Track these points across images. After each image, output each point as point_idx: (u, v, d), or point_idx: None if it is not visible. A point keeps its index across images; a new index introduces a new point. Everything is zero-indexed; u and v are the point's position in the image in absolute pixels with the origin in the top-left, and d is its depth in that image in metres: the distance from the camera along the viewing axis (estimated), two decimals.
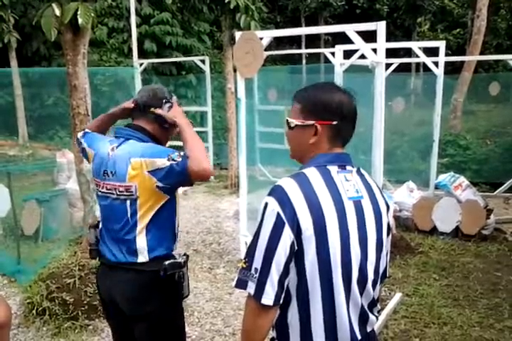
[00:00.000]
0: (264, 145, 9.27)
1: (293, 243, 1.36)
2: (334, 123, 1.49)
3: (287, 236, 1.35)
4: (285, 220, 1.36)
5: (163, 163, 1.97)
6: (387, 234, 1.58)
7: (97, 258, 2.26)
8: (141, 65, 9.28)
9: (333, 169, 1.49)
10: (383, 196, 1.60)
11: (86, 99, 4.39)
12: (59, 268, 4.00)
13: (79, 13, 4.09)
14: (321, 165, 1.49)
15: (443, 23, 25.35)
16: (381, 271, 1.57)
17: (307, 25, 21.94)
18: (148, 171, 1.98)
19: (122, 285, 2.09)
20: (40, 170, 8.52)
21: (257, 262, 1.38)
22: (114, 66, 13.93)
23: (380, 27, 3.96)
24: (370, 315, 1.52)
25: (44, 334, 3.68)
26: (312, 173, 1.47)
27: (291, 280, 1.41)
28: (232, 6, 8.88)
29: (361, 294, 1.46)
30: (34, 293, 3.86)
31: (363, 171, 1.59)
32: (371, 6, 24.37)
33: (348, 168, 1.53)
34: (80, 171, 4.53)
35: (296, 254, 1.38)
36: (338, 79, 6.55)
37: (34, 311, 3.78)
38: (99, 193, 2.17)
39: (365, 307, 1.49)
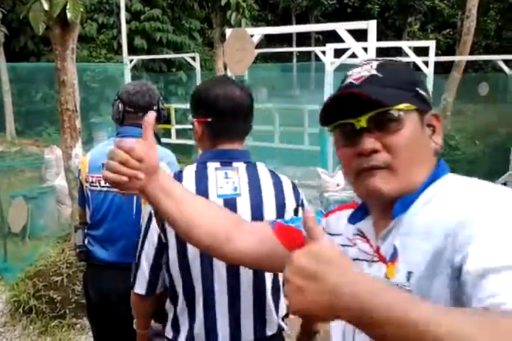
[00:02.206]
0: (254, 143, 9.26)
1: (159, 235, 1.43)
2: (209, 120, 1.46)
3: (154, 228, 1.43)
4: (153, 214, 1.43)
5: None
6: None
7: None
8: (131, 61, 9.22)
9: (213, 165, 1.46)
10: (283, 194, 1.48)
11: (74, 94, 4.34)
12: (46, 266, 3.96)
13: (68, 7, 4.04)
14: (202, 162, 1.49)
15: (433, 23, 25.54)
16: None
17: (298, 23, 21.96)
18: None
19: (120, 285, 2.01)
20: (27, 166, 8.44)
21: (136, 254, 1.49)
22: (104, 62, 13.82)
23: (371, 26, 3.96)
24: (269, 318, 1.48)
25: (31, 332, 3.64)
26: (189, 170, 1.48)
27: (174, 271, 1.44)
28: (223, 3, 8.89)
29: (236, 296, 1.43)
30: (21, 291, 3.82)
31: (260, 167, 1.52)
32: (362, 5, 24.50)
33: (235, 164, 1.47)
34: (68, 168, 4.48)
35: (166, 246, 1.43)
36: (329, 78, 6.55)
37: (21, 309, 3.74)
38: (99, 189, 2.12)
39: (248, 310, 1.45)
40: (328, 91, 6.75)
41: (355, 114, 0.89)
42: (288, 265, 0.72)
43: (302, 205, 1.51)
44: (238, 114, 1.47)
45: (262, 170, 1.51)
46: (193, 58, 9.61)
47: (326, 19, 23.11)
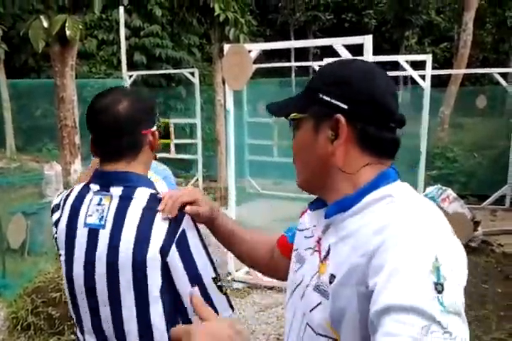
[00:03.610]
0: (254, 157, 9.29)
1: None
2: (91, 137, 1.35)
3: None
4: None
5: None
6: (132, 273, 1.27)
7: None
8: (130, 76, 9.27)
9: (94, 188, 1.33)
10: (150, 230, 1.25)
11: (73, 110, 4.38)
12: (45, 282, 3.95)
13: (67, 25, 4.10)
14: (87, 183, 1.36)
15: (430, 36, 25.75)
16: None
17: (296, 38, 22.14)
18: None
19: None
20: (27, 182, 8.45)
21: None
22: (104, 78, 13.92)
23: (367, 41, 4.00)
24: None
25: None
26: (75, 190, 1.39)
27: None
28: (221, 19, 8.98)
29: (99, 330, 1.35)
30: (19, 308, 3.81)
31: (139, 195, 1.29)
32: (359, 19, 24.73)
33: (113, 189, 1.30)
34: (67, 183, 4.49)
35: None
36: None
37: (19, 326, 3.72)
38: None
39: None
40: None
41: None
42: None
43: (180, 242, 1.27)
44: (110, 130, 1.31)
45: (139, 199, 1.29)
46: (192, 73, 9.67)
47: (323, 34, 23.33)
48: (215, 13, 8.94)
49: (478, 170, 9.35)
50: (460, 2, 18.04)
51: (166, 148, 9.90)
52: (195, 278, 1.28)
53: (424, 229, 0.84)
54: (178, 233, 1.26)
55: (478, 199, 8.29)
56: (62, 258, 1.37)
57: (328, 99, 0.95)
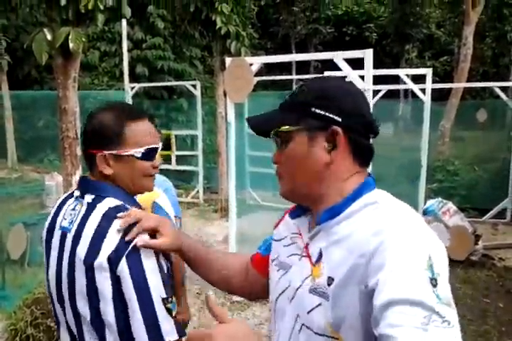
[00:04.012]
0: (254, 169, 9.29)
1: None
2: None
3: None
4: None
5: None
6: (85, 276, 1.29)
7: None
8: (132, 88, 9.34)
9: (76, 194, 1.44)
10: (103, 239, 1.28)
11: (75, 122, 4.40)
12: (44, 294, 3.92)
13: (70, 37, 4.14)
14: (75, 189, 1.48)
15: (430, 50, 25.91)
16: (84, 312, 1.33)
17: (297, 51, 22.30)
18: None
19: None
20: (28, 193, 8.46)
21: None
22: (106, 89, 13.99)
23: (367, 55, 4.04)
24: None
25: None
26: (63, 196, 1.52)
27: None
28: (223, 32, 9.04)
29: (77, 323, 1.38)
30: (18, 320, 3.78)
31: (102, 205, 1.35)
32: (360, 33, 24.92)
33: (87, 197, 1.39)
34: None
35: None
36: None
37: (18, 338, 3.69)
38: None
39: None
40: None
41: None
42: None
43: (131, 255, 1.26)
44: (83, 142, 1.47)
45: (102, 207, 1.35)
46: (194, 86, 9.74)
47: (324, 47, 23.50)
48: (217, 26, 9.01)
49: (479, 183, 9.35)
50: (460, 16, 18.21)
51: (167, 159, 9.93)
52: (144, 296, 1.26)
53: (417, 231, 0.94)
54: (130, 246, 1.28)
55: (479, 212, 8.28)
56: (44, 259, 1.47)
57: (322, 112, 1.03)
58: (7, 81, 13.62)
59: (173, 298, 1.32)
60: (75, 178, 4.24)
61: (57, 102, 4.51)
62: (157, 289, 1.27)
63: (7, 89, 13.56)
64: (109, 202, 1.37)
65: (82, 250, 1.30)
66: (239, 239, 5.10)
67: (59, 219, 1.42)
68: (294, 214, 1.17)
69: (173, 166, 9.90)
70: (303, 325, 1.03)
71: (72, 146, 4.33)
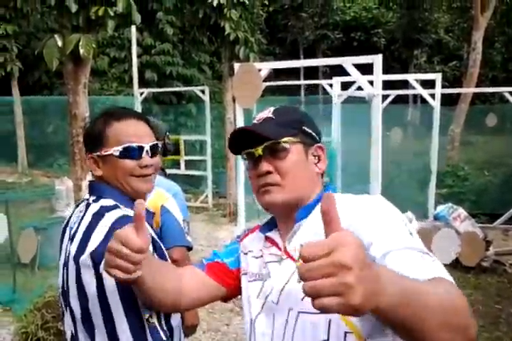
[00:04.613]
0: None
1: None
2: None
3: None
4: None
5: None
6: (75, 271, 1.31)
7: None
8: (141, 94, 9.39)
9: (86, 197, 1.49)
10: (90, 237, 1.30)
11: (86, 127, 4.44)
12: (55, 297, 3.94)
13: (80, 44, 4.18)
14: None
15: (439, 55, 25.85)
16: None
17: (305, 56, 22.34)
18: None
19: None
20: (38, 197, 8.51)
21: None
22: (115, 95, 14.08)
23: (377, 60, 4.04)
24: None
25: None
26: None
27: None
28: (231, 38, 9.08)
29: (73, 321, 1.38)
30: (29, 323, 3.80)
31: (94, 205, 1.39)
32: (368, 38, 24.92)
33: (90, 198, 1.44)
34: (78, 199, 4.52)
35: None
36: (336, 110, 6.63)
37: None
38: None
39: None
40: (336, 122, 6.82)
41: (255, 145, 1.17)
42: (342, 255, 0.66)
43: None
44: None
45: (95, 206, 1.38)
46: (203, 91, 9.77)
47: (332, 52, 23.51)
48: (226, 32, 9.06)
49: (489, 188, 9.30)
50: (469, 21, 18.18)
51: (176, 164, 9.96)
52: (128, 298, 1.24)
53: (378, 202, 1.11)
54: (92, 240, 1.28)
55: (490, 218, 8.21)
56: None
57: (309, 130, 1.22)
58: (18, 87, 13.76)
59: None
60: (85, 183, 4.27)
61: (67, 108, 4.55)
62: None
63: (18, 94, 13.68)
64: (103, 202, 1.39)
65: (73, 248, 1.33)
66: None
67: (71, 220, 1.45)
68: (266, 229, 1.27)
69: (182, 171, 9.92)
70: (299, 312, 1.07)
71: (82, 151, 4.36)
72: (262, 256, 1.24)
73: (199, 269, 1.32)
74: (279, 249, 1.19)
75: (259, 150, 1.16)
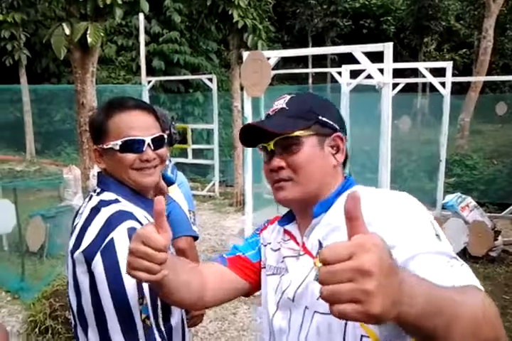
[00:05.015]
0: None
1: None
2: None
3: None
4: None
5: None
6: (72, 264, 1.30)
7: None
8: (149, 82, 9.36)
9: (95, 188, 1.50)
10: (86, 229, 1.29)
11: None
12: (63, 286, 3.97)
13: (88, 32, 4.15)
14: None
15: (449, 43, 25.54)
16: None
17: (314, 44, 22.15)
18: None
19: None
20: (46, 185, 8.55)
21: None
22: (123, 83, 14.06)
23: (388, 48, 3.98)
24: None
25: None
26: None
27: None
28: (240, 26, 9.01)
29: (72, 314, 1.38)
30: (37, 311, 3.84)
31: (95, 198, 1.37)
32: (378, 26, 24.64)
33: (96, 190, 1.42)
34: (86, 188, 4.54)
35: None
36: (345, 99, 6.57)
37: (37, 329, 3.75)
38: None
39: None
40: (345, 111, 6.77)
41: (267, 139, 1.14)
42: (364, 260, 0.63)
43: (105, 252, 1.22)
44: None
45: (93, 201, 1.36)
46: (210, 79, 9.73)
47: (341, 40, 23.29)
48: (234, 20, 8.98)
49: (497, 177, 9.22)
50: (480, 9, 17.92)
51: (184, 153, 9.96)
52: (119, 297, 1.20)
53: (405, 201, 1.04)
54: (106, 241, 1.23)
55: (498, 207, 8.17)
56: None
57: (326, 120, 1.14)
58: (26, 75, 13.76)
59: (145, 300, 1.23)
60: (93, 172, 4.28)
61: (75, 96, 4.54)
62: (132, 289, 1.21)
63: (26, 83, 13.69)
64: (103, 196, 1.36)
65: (71, 242, 1.31)
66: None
67: (79, 211, 1.42)
68: (284, 221, 1.23)
69: (190, 160, 9.92)
70: (315, 312, 1.04)
71: (90, 140, 4.36)
72: (279, 249, 1.21)
73: (221, 264, 1.28)
74: (297, 243, 1.16)
75: (271, 145, 1.13)
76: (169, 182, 1.60)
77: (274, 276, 1.20)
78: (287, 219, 1.23)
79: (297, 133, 1.11)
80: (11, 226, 5.16)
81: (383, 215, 0.97)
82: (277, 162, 1.13)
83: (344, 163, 1.19)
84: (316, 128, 1.13)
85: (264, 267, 1.25)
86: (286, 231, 1.21)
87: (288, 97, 1.18)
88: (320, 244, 1.08)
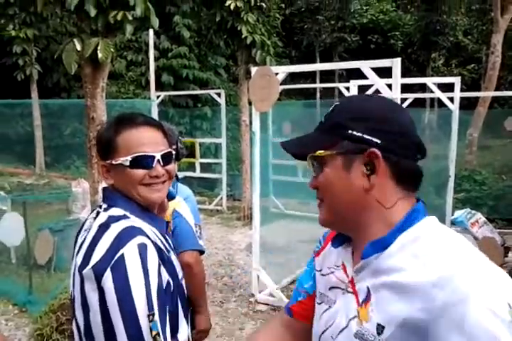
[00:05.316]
0: (278, 177, 9.28)
1: None
2: None
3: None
4: None
5: None
6: (80, 282, 1.29)
7: None
8: (158, 97, 9.44)
9: (101, 203, 1.49)
10: (94, 248, 1.28)
11: None
12: (70, 300, 3.97)
13: (99, 48, 4.21)
14: None
15: (457, 58, 25.58)
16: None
17: (322, 59, 22.26)
18: None
19: None
20: (55, 199, 8.59)
21: None
22: (132, 98, 14.19)
23: (395, 64, 4.01)
24: None
25: None
26: None
27: None
28: (248, 42, 9.09)
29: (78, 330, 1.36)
30: (44, 325, 3.84)
31: (103, 215, 1.36)
32: (385, 41, 24.77)
33: (102, 206, 1.41)
34: (94, 202, 4.56)
35: None
36: None
37: None
38: None
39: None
40: None
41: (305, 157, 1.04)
42: None
43: (115, 267, 1.23)
44: None
45: (101, 218, 1.35)
46: (219, 94, 9.80)
47: (349, 55, 23.41)
48: (243, 36, 9.07)
49: (507, 193, 9.15)
50: (488, 24, 17.98)
51: (192, 167, 9.99)
52: (128, 313, 1.20)
53: (487, 277, 0.83)
54: (116, 257, 1.22)
55: (508, 223, 8.09)
56: None
57: (359, 134, 0.95)
58: (37, 90, 13.93)
59: (155, 316, 1.23)
60: (102, 186, 4.30)
61: (84, 111, 4.59)
62: (142, 305, 1.21)
63: (37, 97, 13.86)
64: (111, 212, 1.36)
65: (79, 259, 1.30)
66: (262, 247, 5.08)
67: (84, 226, 1.42)
68: (337, 242, 1.09)
69: (197, 174, 9.95)
70: None
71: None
72: (329, 275, 1.10)
73: (287, 315, 1.25)
74: (347, 275, 1.03)
75: (309, 163, 1.04)
76: (170, 197, 1.61)
77: (322, 305, 1.11)
78: (341, 238, 1.09)
79: (319, 153, 0.99)
80: (20, 239, 5.19)
81: (460, 295, 0.81)
82: (312, 181, 1.05)
83: (408, 184, 0.99)
84: (343, 145, 0.97)
85: (315, 295, 1.17)
86: (339, 255, 1.10)
87: (334, 105, 1.04)
88: (368, 293, 0.95)
